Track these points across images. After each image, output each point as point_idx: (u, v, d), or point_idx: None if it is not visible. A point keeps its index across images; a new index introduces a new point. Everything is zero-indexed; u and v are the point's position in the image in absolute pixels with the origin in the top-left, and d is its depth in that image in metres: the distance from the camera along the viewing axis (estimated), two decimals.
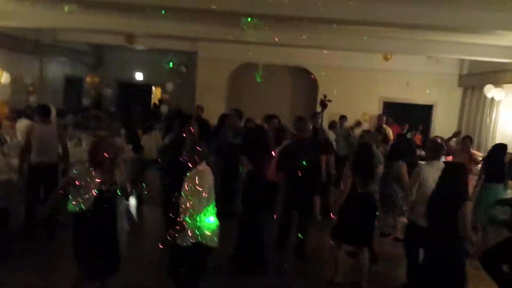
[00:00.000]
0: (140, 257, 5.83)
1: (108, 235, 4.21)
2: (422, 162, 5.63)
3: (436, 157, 5.38)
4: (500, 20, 7.05)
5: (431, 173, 4.96)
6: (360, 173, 5.17)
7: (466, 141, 8.41)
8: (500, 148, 7.11)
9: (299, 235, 6.24)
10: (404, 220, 7.63)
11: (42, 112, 6.20)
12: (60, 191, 6.47)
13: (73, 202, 4.08)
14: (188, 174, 4.20)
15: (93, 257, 4.11)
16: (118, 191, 4.20)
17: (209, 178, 4.21)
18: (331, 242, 5.48)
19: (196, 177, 4.08)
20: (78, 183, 4.01)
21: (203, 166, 4.23)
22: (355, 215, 5.14)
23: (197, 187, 4.04)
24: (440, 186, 4.41)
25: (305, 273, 5.85)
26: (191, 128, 5.81)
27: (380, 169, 6.54)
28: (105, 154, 4.09)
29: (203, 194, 4.07)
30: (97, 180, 4.06)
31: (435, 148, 5.55)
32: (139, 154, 8.50)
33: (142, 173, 8.59)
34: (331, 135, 9.33)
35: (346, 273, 5.62)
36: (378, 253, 6.13)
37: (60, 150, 6.25)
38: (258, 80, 9.52)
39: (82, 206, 4.03)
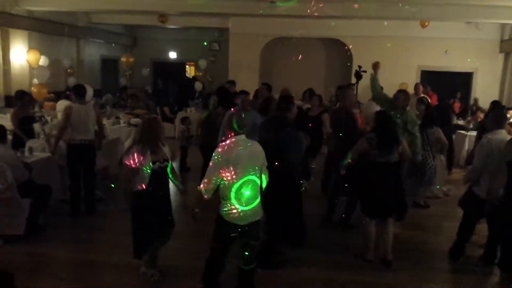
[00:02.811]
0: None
1: (165, 209, 4.33)
2: (487, 134, 4.89)
3: (500, 127, 4.87)
4: None
5: (497, 144, 4.59)
6: (381, 143, 4.87)
7: None
8: None
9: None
10: (435, 191, 7.48)
11: (78, 92, 6.37)
12: (101, 169, 6.72)
13: (134, 183, 4.16)
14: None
15: (152, 232, 4.24)
16: (169, 166, 4.31)
17: (229, 154, 3.67)
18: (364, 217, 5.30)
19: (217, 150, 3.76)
20: (133, 164, 4.07)
21: (232, 140, 3.77)
22: (382, 187, 4.96)
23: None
24: None
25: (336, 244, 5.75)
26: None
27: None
28: (157, 132, 4.19)
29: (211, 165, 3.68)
30: (151, 158, 4.15)
31: (498, 118, 5.04)
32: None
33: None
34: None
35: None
36: (409, 222, 5.94)
37: (96, 128, 6.45)
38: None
39: (141, 185, 4.12)
